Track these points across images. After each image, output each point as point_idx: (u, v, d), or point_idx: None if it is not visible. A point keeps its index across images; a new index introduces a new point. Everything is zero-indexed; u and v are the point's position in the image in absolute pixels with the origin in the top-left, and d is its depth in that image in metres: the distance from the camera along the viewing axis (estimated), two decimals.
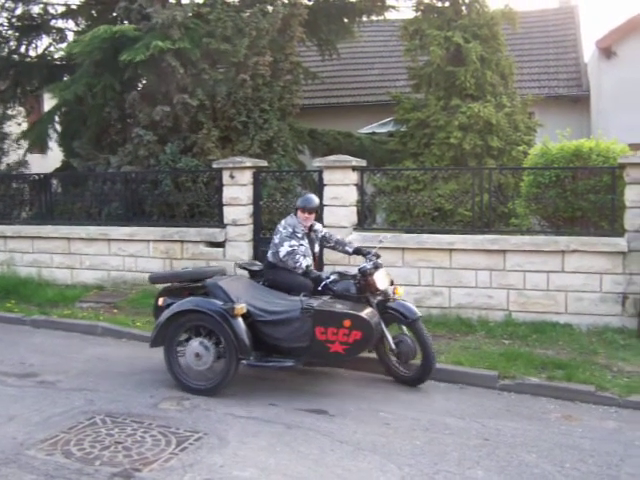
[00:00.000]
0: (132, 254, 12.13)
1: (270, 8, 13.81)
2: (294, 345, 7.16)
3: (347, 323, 6.83)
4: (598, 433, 6.41)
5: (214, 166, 11.70)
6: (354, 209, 10.80)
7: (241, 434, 6.13)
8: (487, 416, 6.62)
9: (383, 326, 7.43)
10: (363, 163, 11.06)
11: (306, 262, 7.84)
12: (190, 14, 13.24)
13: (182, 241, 11.78)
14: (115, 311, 11.01)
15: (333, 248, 8.56)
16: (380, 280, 7.57)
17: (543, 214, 10.56)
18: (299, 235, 8.00)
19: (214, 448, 5.78)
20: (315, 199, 8.31)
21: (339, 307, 7.12)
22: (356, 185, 10.84)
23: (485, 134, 13.80)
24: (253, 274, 8.44)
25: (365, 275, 7.56)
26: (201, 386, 7.28)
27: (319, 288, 7.63)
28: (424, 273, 10.14)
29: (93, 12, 15.90)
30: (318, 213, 8.29)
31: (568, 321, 9.46)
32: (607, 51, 15.21)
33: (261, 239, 11.46)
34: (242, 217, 11.33)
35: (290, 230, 7.97)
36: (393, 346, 7.48)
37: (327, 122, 17.38)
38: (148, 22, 12.94)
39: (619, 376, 7.77)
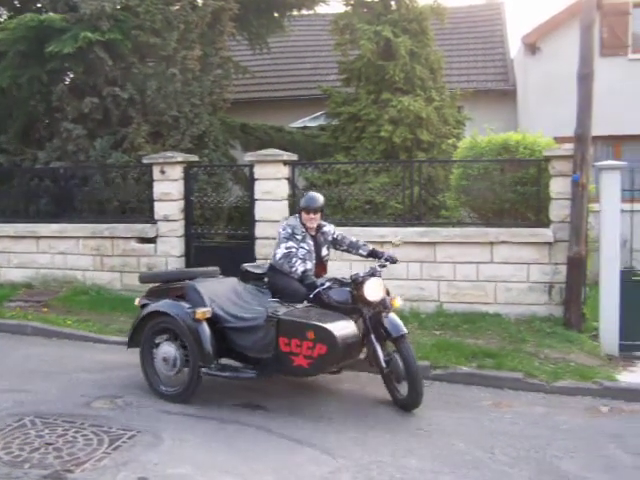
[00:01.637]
0: (62, 251, 11.90)
1: (200, 1, 13.72)
2: (259, 355, 6.68)
3: (311, 335, 6.20)
4: (527, 418, 6.60)
5: (145, 161, 11.56)
6: (286, 203, 10.81)
7: (176, 431, 6.09)
8: (420, 406, 6.72)
9: (374, 341, 6.64)
10: (294, 157, 11.09)
11: (303, 266, 7.06)
12: (119, 6, 12.99)
13: (113, 237, 11.61)
14: (45, 310, 10.79)
15: (347, 251, 7.72)
16: (370, 290, 6.69)
17: (472, 206, 10.76)
18: (298, 237, 7.26)
19: (148, 446, 5.73)
20: (318, 198, 7.45)
21: (305, 317, 6.45)
22: (288, 179, 10.86)
23: (415, 128, 13.94)
24: (257, 277, 7.73)
25: (356, 283, 6.80)
26: (169, 392, 6.99)
27: (310, 295, 6.84)
28: (356, 266, 10.12)
29: (16, 2, 15.42)
30: (324, 213, 7.53)
31: (497, 311, 9.68)
32: (532, 47, 15.51)
33: (193, 234, 11.39)
34: (173, 212, 11.23)
35: (289, 231, 7.28)
36: (383, 364, 6.64)
37: (258, 116, 17.33)
38: (75, 13, 12.67)
39: (546, 363, 8.01)
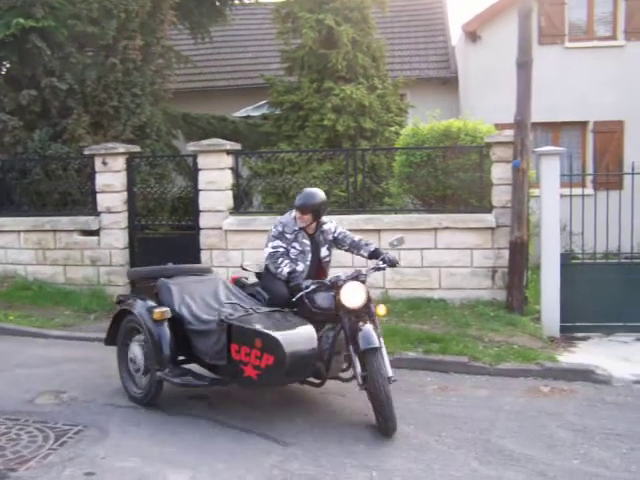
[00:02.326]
0: (2, 246, 11.65)
1: None
2: (215, 362, 6.19)
3: (258, 343, 5.67)
4: (471, 401, 6.72)
5: (86, 153, 11.37)
6: (230, 193, 10.76)
7: (122, 424, 6.04)
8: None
9: (352, 353, 5.90)
10: (238, 147, 11.04)
11: (290, 267, 6.44)
12: None
13: (55, 230, 11.41)
14: None
15: (349, 251, 6.92)
16: (347, 295, 5.95)
17: (416, 193, 10.86)
18: (289, 236, 6.63)
19: (95, 440, 5.67)
20: (313, 196, 6.63)
21: (257, 323, 5.92)
22: (231, 169, 10.80)
23: (358, 116, 14.02)
24: (258, 277, 7.11)
25: (336, 287, 6.09)
26: (136, 394, 6.63)
27: (293, 299, 6.23)
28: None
29: None
30: (322, 212, 6.67)
31: (442, 296, 9.81)
32: (473, 35, 15.67)
33: (137, 226, 11.27)
34: (116, 204, 11.08)
35: (279, 229, 6.68)
36: (360, 380, 5.84)
37: (201, 106, 17.20)
38: (8, 0, 12.36)
39: (490, 346, 8.17)
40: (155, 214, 12.00)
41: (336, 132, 13.95)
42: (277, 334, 5.63)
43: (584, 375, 7.45)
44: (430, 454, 5.41)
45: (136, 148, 11.64)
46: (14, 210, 12.05)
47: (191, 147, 11.02)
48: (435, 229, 9.86)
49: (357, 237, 6.87)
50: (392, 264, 6.53)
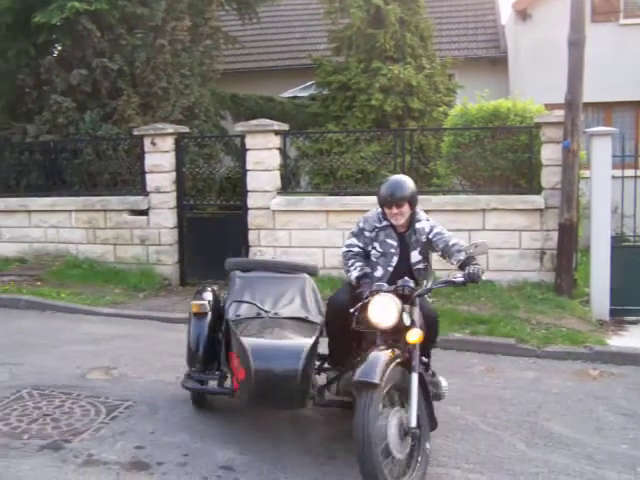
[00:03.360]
0: (54, 225, 11.87)
1: None
2: (225, 367, 5.59)
3: (236, 353, 5.02)
4: (518, 383, 6.69)
5: (135, 133, 11.50)
6: (277, 173, 10.81)
7: (171, 400, 6.13)
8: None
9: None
10: (285, 127, 11.05)
11: (361, 272, 5.26)
12: None
13: (105, 210, 11.58)
14: (39, 284, 10.80)
15: (442, 257, 5.35)
16: (371, 311, 4.72)
17: (464, 174, 10.77)
18: (368, 234, 5.42)
19: (144, 415, 5.78)
20: (402, 185, 5.26)
21: (248, 327, 5.19)
22: (279, 149, 10.84)
23: (406, 96, 13.93)
24: None
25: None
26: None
27: (351, 310, 4.96)
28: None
29: None
30: (410, 204, 5.25)
31: (490, 278, 9.70)
32: (523, 13, 15.43)
33: (185, 206, 11.38)
34: (165, 184, 11.21)
35: (360, 225, 5.51)
36: None
37: (249, 87, 17.23)
38: None
39: (537, 328, 8.11)
40: (203, 194, 12.11)
41: (384, 112, 13.88)
42: (248, 342, 4.82)
43: (634, 359, 7.36)
44: (476, 435, 5.41)
45: (185, 129, 11.73)
46: (66, 190, 12.25)
47: (239, 127, 11.07)
48: (483, 210, 9.78)
49: (454, 240, 5.25)
50: (472, 279, 4.84)
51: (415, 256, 5.37)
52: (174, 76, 13.23)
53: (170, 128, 11.35)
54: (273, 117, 12.29)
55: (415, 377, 4.53)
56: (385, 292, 4.80)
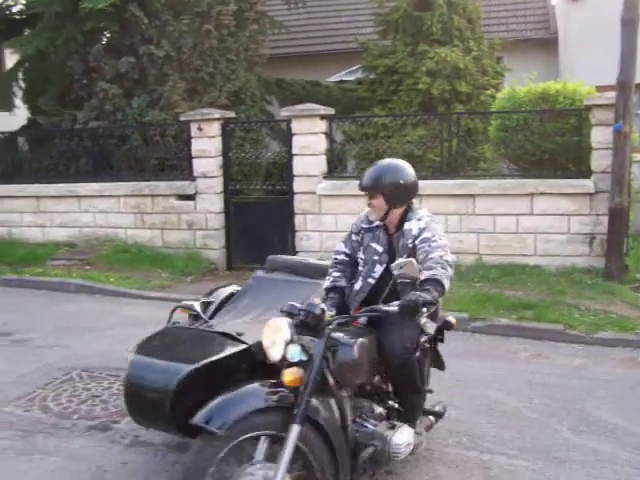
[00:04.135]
0: (103, 210, 12.06)
1: None
2: None
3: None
4: (565, 370, 6.59)
5: (182, 119, 11.60)
6: (323, 158, 10.80)
7: None
8: (459, 357, 6.71)
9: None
10: (331, 111, 11.03)
11: (330, 282, 4.41)
12: None
13: (152, 195, 11.72)
14: (88, 268, 11.00)
15: None
16: (265, 339, 3.64)
17: (511, 158, 10.63)
18: (354, 237, 4.52)
19: None
20: (375, 172, 4.36)
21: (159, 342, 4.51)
22: (325, 134, 10.83)
23: (453, 79, 13.77)
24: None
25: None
26: None
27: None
28: None
29: None
30: (390, 200, 4.28)
31: (537, 263, 9.62)
32: None
33: (231, 191, 11.44)
34: (212, 169, 11.28)
35: (351, 229, 4.62)
36: None
37: (295, 71, 17.21)
38: None
39: (586, 314, 7.97)
40: (250, 179, 12.16)
41: (431, 96, 13.75)
42: (132, 357, 4.26)
43: None
44: (521, 421, 5.35)
45: (231, 114, 11.78)
46: (114, 175, 12.43)
47: (285, 112, 11.09)
48: (531, 194, 9.65)
49: (437, 252, 4.00)
50: (408, 312, 3.61)
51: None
52: (220, 61, 13.29)
53: (216, 113, 11.40)
54: (319, 102, 12.27)
55: (295, 430, 3.39)
56: (286, 313, 3.69)
